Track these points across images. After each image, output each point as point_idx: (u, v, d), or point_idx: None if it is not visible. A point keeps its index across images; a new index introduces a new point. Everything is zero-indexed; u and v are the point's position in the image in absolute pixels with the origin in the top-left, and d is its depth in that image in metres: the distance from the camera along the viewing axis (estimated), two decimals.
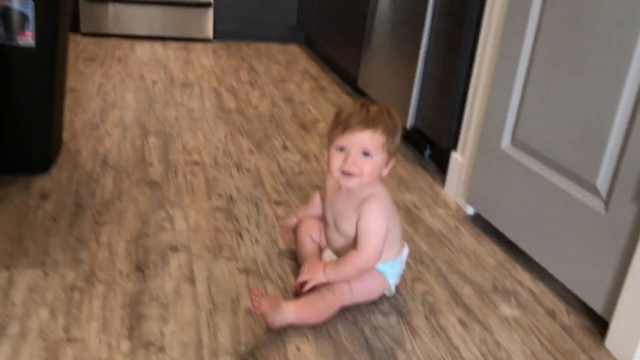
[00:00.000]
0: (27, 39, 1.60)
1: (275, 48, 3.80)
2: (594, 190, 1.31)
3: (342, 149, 1.22)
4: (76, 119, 2.25)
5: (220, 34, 3.89)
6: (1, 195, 1.63)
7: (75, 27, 3.56)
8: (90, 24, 3.56)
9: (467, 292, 1.41)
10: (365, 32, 2.59)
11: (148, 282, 1.32)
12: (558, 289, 1.45)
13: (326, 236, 1.38)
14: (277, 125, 2.39)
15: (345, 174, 1.22)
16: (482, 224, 1.73)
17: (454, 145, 1.94)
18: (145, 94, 2.61)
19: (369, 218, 1.24)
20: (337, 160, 1.23)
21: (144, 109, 2.42)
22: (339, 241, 1.33)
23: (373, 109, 1.23)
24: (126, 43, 3.52)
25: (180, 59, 3.29)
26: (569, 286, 1.40)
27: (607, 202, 1.28)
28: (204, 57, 3.37)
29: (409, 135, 2.32)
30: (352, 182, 1.23)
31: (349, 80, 3.05)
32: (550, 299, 1.42)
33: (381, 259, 1.27)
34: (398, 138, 1.27)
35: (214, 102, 2.60)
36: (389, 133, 1.23)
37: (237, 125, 2.35)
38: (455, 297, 1.38)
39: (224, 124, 2.35)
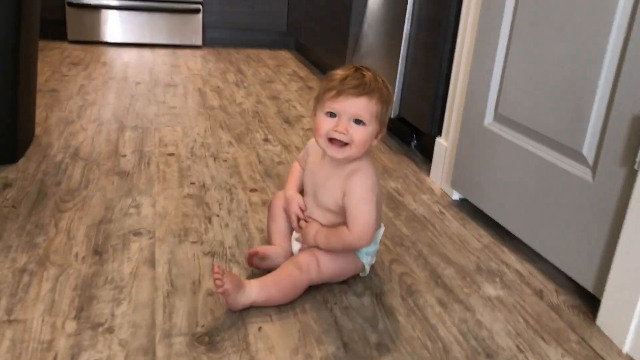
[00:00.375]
0: None
1: (265, 54, 3.75)
2: (580, 158, 1.23)
3: (332, 115, 1.12)
4: (52, 115, 2.19)
5: (210, 41, 3.85)
6: None
7: (62, 35, 3.53)
8: (77, 32, 3.53)
9: (448, 273, 1.31)
10: (351, 25, 2.53)
11: (105, 265, 1.24)
12: (547, 270, 1.36)
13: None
14: (260, 121, 2.31)
15: (334, 141, 1.12)
16: (468, 209, 1.64)
17: (439, 132, 1.86)
18: (126, 94, 2.55)
19: (359, 194, 1.13)
20: (326, 124, 1.12)
21: (123, 107, 2.35)
22: (316, 214, 1.23)
23: (368, 74, 1.12)
24: (113, 50, 3.48)
25: (167, 63, 3.24)
26: (558, 264, 1.30)
27: (594, 169, 1.19)
28: (192, 62, 3.32)
29: (393, 126, 2.24)
30: (340, 153, 1.12)
31: None
32: (538, 279, 1.32)
33: None
34: (391, 109, 1.18)
35: (197, 101, 2.53)
36: (384, 102, 1.13)
37: (219, 120, 2.28)
38: (436, 278, 1.29)
39: (205, 119, 2.28)
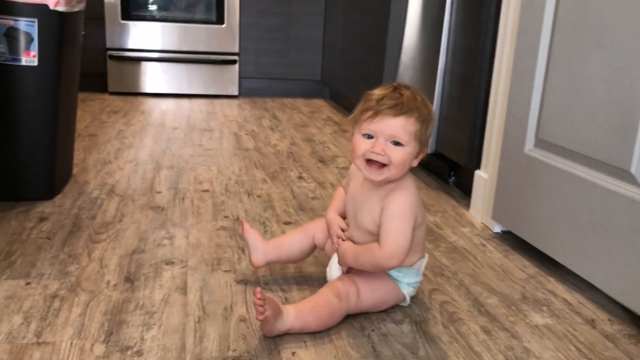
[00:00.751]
0: (31, 58, 1.59)
1: (300, 102, 3.79)
2: (629, 178, 1.17)
3: (369, 136, 1.09)
4: (90, 157, 2.22)
5: (246, 91, 3.91)
6: None
7: (103, 87, 3.64)
8: (118, 83, 3.63)
9: (492, 302, 1.25)
10: (385, 69, 2.54)
11: (136, 292, 1.21)
12: (598, 299, 1.27)
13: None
14: (294, 160, 2.31)
15: (372, 163, 1.09)
16: (511, 241, 1.58)
17: (478, 165, 1.81)
18: (163, 137, 2.58)
19: (394, 210, 1.08)
20: (363, 146, 1.09)
21: (160, 149, 2.38)
22: (356, 236, 1.18)
23: (406, 93, 1.09)
24: (152, 100, 3.56)
25: (204, 111, 3.29)
26: (611, 293, 1.22)
27: None
28: (228, 109, 3.37)
29: (430, 162, 2.20)
30: (378, 175, 1.08)
31: None
32: (589, 309, 1.24)
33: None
34: (430, 128, 1.14)
35: (232, 143, 2.54)
36: (423, 121, 1.09)
37: (253, 160, 2.28)
38: (479, 306, 1.22)
39: (240, 159, 2.28)
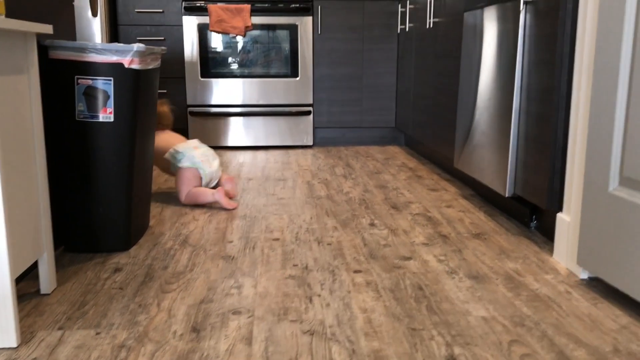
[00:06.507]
0: (107, 114, 1.66)
1: (374, 149, 3.77)
2: None
3: None
4: (167, 209, 2.27)
5: (320, 140, 3.94)
6: (76, 269, 1.62)
7: None
8: (197, 137, 3.76)
9: (579, 354, 1.14)
10: (458, 114, 2.48)
11: (201, 342, 1.19)
12: None
13: None
14: (366, 207, 2.27)
15: None
16: (600, 288, 1.45)
17: (560, 207, 1.70)
18: (238, 188, 2.62)
19: None
20: None
21: (234, 199, 2.41)
22: None
23: None
24: (230, 153, 3.65)
25: (279, 161, 3.33)
26: None
27: None
28: (302, 159, 3.40)
29: (509, 205, 2.10)
30: None
31: (448, 169, 2.91)
32: None
33: None
34: None
35: (305, 192, 2.54)
36: None
37: (325, 208, 2.26)
38: (564, 359, 1.12)
39: (312, 207, 2.27)
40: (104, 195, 1.70)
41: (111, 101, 1.65)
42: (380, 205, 2.29)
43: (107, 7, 3.44)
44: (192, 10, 3.60)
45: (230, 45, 3.68)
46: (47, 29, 1.34)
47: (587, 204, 1.47)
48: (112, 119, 1.66)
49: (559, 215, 1.67)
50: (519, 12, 1.87)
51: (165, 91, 3.69)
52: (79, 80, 1.62)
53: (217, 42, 3.66)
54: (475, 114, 2.27)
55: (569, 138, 1.61)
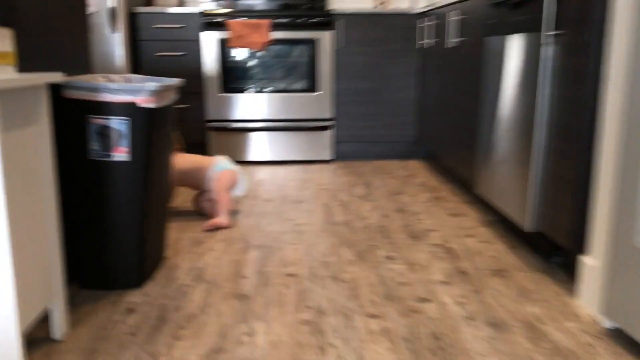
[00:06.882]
0: (122, 154, 1.64)
1: (394, 164, 3.73)
2: None
3: None
4: (183, 236, 2.26)
5: (340, 155, 3.91)
6: (89, 309, 1.61)
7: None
8: (217, 153, 3.75)
9: None
10: (479, 133, 2.43)
11: None
12: None
13: None
14: (384, 236, 2.23)
15: None
16: (625, 342, 1.40)
17: (583, 248, 1.65)
18: (255, 212, 2.60)
19: None
20: None
21: (251, 226, 2.39)
22: None
23: None
24: (249, 168, 3.63)
25: (297, 179, 3.30)
26: None
27: None
28: (321, 176, 3.37)
29: (530, 239, 2.04)
30: None
31: (468, 188, 2.86)
32: None
33: None
34: None
35: (322, 216, 2.51)
36: None
37: (341, 236, 2.22)
38: None
39: (328, 236, 2.23)
40: (116, 233, 1.69)
41: (125, 140, 1.64)
42: (399, 234, 2.25)
43: (127, 23, 3.45)
44: (211, 26, 3.59)
45: (249, 59, 3.66)
46: (57, 77, 1.33)
47: (613, 252, 1.42)
48: (125, 158, 1.64)
49: (583, 258, 1.62)
50: (542, 44, 1.81)
51: (188, 105, 3.69)
52: (92, 120, 1.61)
53: (236, 57, 3.65)
54: (496, 141, 2.22)
55: (595, 179, 1.56)
